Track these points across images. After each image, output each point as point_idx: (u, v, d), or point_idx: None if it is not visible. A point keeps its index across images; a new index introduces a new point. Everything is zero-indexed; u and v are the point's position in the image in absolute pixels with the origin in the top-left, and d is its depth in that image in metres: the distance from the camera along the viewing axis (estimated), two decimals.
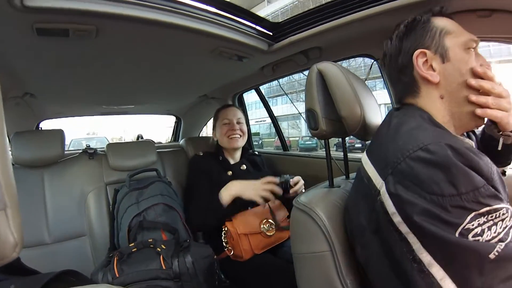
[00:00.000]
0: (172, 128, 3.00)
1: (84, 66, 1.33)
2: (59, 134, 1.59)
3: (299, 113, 1.59)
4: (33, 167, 1.52)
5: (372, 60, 1.33)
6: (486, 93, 0.64)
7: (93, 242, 1.51)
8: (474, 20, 0.90)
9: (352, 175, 1.00)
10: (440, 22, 0.71)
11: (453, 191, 0.50)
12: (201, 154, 1.70)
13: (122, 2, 0.87)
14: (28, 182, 1.48)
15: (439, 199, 0.51)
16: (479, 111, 0.65)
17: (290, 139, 18.08)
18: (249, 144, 2.27)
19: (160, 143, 2.85)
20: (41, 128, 2.45)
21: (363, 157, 0.72)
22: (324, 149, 0.94)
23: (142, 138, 2.78)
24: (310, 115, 0.90)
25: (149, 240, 1.22)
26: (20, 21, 0.85)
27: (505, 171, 0.86)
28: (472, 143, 0.70)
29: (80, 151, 1.77)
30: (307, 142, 15.93)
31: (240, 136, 1.66)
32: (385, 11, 0.95)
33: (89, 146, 1.85)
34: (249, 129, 2.31)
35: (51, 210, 1.47)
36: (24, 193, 1.44)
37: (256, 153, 1.82)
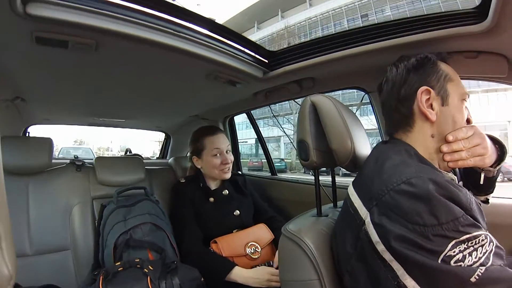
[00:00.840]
0: (159, 143, 3.00)
1: (80, 77, 1.33)
2: (47, 143, 1.56)
3: (287, 136, 1.62)
4: (18, 175, 1.48)
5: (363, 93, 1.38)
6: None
7: (76, 257, 1.47)
8: (462, 60, 0.96)
9: (340, 203, 1.01)
10: (445, 67, 0.76)
11: (434, 221, 0.55)
12: (183, 181, 1.67)
13: (123, 20, 0.89)
14: (12, 190, 1.43)
15: (421, 228, 0.55)
16: (451, 164, 0.72)
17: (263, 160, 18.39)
18: (236, 165, 2.27)
19: (149, 158, 2.83)
20: (28, 133, 2.41)
21: (350, 189, 0.77)
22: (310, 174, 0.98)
23: (130, 152, 2.76)
24: (302, 146, 0.94)
25: (136, 260, 1.21)
26: (20, 28, 0.86)
27: (488, 199, 0.92)
28: (455, 178, 0.75)
29: (68, 161, 1.73)
30: (276, 164, 16.04)
31: (230, 167, 1.65)
32: (378, 49, 1.01)
33: (77, 157, 1.82)
34: (237, 149, 2.33)
35: (34, 221, 1.43)
36: (8, 200, 1.39)
37: (239, 172, 1.82)
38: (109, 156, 2.23)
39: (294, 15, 29.61)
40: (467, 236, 0.54)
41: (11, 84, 1.37)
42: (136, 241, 1.35)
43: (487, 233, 0.56)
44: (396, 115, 0.79)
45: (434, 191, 0.57)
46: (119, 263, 1.20)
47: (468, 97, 0.76)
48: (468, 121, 0.76)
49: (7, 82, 1.33)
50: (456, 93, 0.74)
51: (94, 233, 1.51)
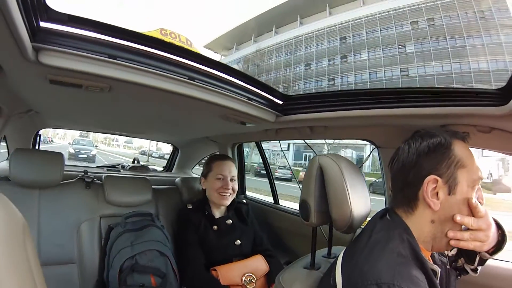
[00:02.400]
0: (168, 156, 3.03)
1: (93, 103, 1.36)
2: (59, 159, 1.61)
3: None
4: (30, 187, 1.53)
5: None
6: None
7: (82, 271, 1.52)
8: (474, 132, 0.93)
9: (334, 249, 1.10)
10: (459, 151, 0.74)
11: None
12: (190, 207, 1.72)
13: (135, 69, 0.89)
14: (24, 201, 1.48)
15: None
16: (452, 242, 0.73)
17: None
18: (241, 187, 2.31)
19: (156, 170, 2.85)
20: (40, 135, 2.45)
21: (339, 260, 0.80)
22: None
23: (138, 162, 2.78)
24: (304, 206, 0.99)
25: (140, 286, 1.32)
26: (34, 71, 0.87)
27: (478, 269, 0.91)
28: (438, 270, 0.75)
29: (77, 172, 1.81)
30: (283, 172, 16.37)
31: (230, 194, 1.70)
32: (393, 115, 1.01)
33: (87, 172, 1.85)
34: (244, 175, 2.35)
35: (44, 233, 1.48)
36: (19, 211, 1.42)
37: (244, 201, 1.85)
38: (118, 175, 2.25)
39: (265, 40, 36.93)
40: None
41: (25, 102, 1.41)
42: (141, 266, 1.43)
43: None
44: (401, 196, 0.79)
45: None
46: None
47: (481, 180, 0.74)
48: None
49: (21, 101, 1.37)
50: (466, 180, 0.72)
51: (100, 250, 1.57)
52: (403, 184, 0.77)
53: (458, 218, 0.71)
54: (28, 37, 0.70)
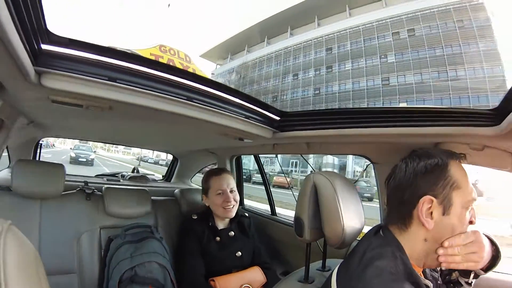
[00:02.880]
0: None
1: (93, 120, 1.39)
2: (60, 170, 1.62)
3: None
4: (32, 198, 1.54)
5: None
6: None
7: (81, 281, 1.53)
8: (467, 150, 0.93)
9: (329, 261, 1.12)
10: (455, 172, 0.75)
11: None
12: (195, 217, 1.75)
13: (135, 91, 0.91)
14: (26, 212, 1.50)
15: None
16: (444, 264, 0.75)
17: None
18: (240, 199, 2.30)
19: (155, 180, 2.86)
20: (41, 144, 2.48)
21: (333, 276, 0.82)
22: None
23: (138, 171, 2.80)
24: (298, 222, 1.02)
25: None
26: (36, 92, 0.89)
27: (472, 283, 0.92)
28: (430, 285, 0.76)
29: (77, 182, 1.84)
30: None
31: (234, 205, 1.72)
32: (388, 134, 1.02)
33: (87, 183, 1.88)
34: (242, 186, 2.36)
35: (44, 243, 1.49)
36: (20, 221, 1.44)
37: (246, 214, 1.87)
38: (117, 187, 2.26)
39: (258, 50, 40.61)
40: None
41: (26, 116, 1.44)
42: (140, 277, 1.46)
43: None
44: (396, 213, 0.80)
45: None
46: None
47: (475, 201, 0.75)
48: (471, 222, 0.76)
49: (23, 114, 1.40)
50: (461, 201, 0.74)
51: (100, 261, 1.59)
52: (398, 202, 0.79)
53: (446, 243, 0.73)
54: (30, 61, 0.72)
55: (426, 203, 0.73)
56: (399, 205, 0.78)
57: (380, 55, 29.94)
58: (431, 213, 0.73)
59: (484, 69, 23.57)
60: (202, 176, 1.87)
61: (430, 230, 0.73)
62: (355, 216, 0.96)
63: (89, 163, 17.45)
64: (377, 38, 30.34)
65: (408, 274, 0.70)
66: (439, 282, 0.89)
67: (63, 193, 1.65)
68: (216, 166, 2.36)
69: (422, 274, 0.81)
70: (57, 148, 24.37)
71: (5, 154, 2.05)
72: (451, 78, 25.11)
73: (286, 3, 35.68)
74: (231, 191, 1.72)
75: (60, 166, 1.65)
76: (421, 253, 0.76)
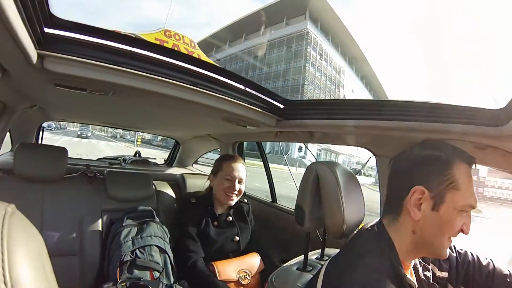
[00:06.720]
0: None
1: (98, 102, 1.37)
2: (63, 153, 1.64)
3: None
4: (34, 182, 1.55)
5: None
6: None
7: (82, 263, 1.55)
8: (471, 149, 0.92)
9: (327, 251, 1.14)
10: (459, 173, 0.73)
11: None
12: (194, 201, 1.77)
13: (138, 75, 0.90)
14: (28, 195, 1.51)
15: None
16: None
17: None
18: None
19: (157, 164, 2.86)
20: (43, 128, 2.47)
21: (323, 267, 0.83)
22: None
23: (140, 155, 2.79)
24: (299, 211, 1.03)
25: (140, 284, 1.35)
26: (39, 76, 0.89)
27: None
28: (415, 286, 0.76)
29: (79, 166, 1.85)
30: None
31: (236, 195, 1.73)
32: (392, 127, 1.00)
33: (90, 167, 1.90)
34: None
35: (46, 225, 1.50)
36: (23, 204, 1.44)
37: (245, 200, 1.88)
38: (119, 170, 2.25)
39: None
40: None
41: (30, 99, 1.43)
42: (140, 260, 1.46)
43: None
44: (390, 200, 0.81)
45: None
46: (124, 283, 1.33)
47: (472, 208, 0.74)
48: (463, 231, 0.74)
49: (26, 98, 1.39)
50: (455, 202, 0.72)
51: (101, 243, 1.60)
52: (392, 188, 0.80)
53: None
54: (33, 44, 0.71)
55: (417, 193, 0.73)
56: (394, 192, 0.80)
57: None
58: (421, 204, 0.73)
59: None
60: (203, 162, 1.89)
61: (417, 222, 0.73)
62: (356, 206, 0.97)
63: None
64: None
65: (394, 272, 0.70)
66: (431, 282, 0.88)
67: (65, 176, 1.66)
68: (218, 152, 2.37)
69: (412, 273, 0.82)
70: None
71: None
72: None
73: None
74: (239, 182, 1.73)
75: (63, 150, 1.65)
76: (410, 246, 0.76)
